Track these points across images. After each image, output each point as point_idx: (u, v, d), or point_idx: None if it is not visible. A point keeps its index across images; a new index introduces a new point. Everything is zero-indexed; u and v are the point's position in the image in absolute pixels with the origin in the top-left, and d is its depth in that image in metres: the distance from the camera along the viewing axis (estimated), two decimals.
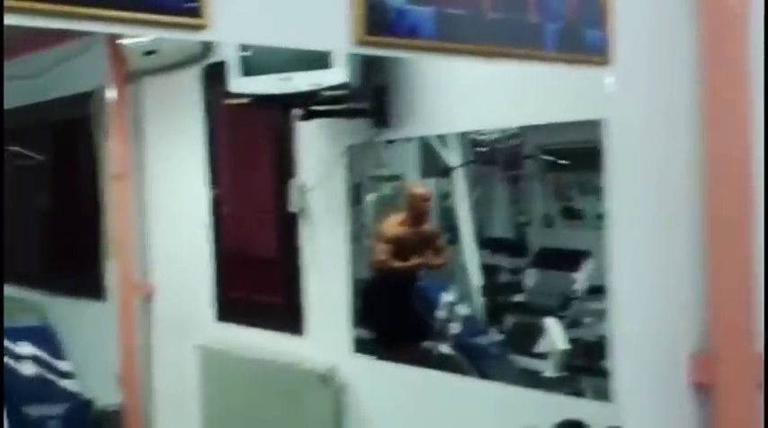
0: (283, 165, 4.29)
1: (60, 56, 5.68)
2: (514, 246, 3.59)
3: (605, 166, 2.72)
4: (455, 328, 3.70)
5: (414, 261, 3.80)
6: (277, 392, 4.19)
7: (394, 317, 3.98)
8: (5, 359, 4.22)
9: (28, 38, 5.87)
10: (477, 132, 3.57)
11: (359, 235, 4.03)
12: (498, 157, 3.59)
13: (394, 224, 3.88)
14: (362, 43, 1.96)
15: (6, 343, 4.27)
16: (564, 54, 2.11)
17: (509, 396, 3.40)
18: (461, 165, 3.67)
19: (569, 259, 3.30)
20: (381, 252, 3.86)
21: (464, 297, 3.70)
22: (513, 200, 3.61)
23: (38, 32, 5.29)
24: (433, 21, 1.95)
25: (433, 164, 3.81)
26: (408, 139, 3.81)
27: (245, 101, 3.71)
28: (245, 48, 3.66)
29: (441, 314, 3.74)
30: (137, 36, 4.84)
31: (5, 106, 6.53)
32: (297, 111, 3.87)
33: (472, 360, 3.62)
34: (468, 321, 3.68)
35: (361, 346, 3.99)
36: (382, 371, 3.91)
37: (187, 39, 1.86)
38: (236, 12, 1.88)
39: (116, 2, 1.70)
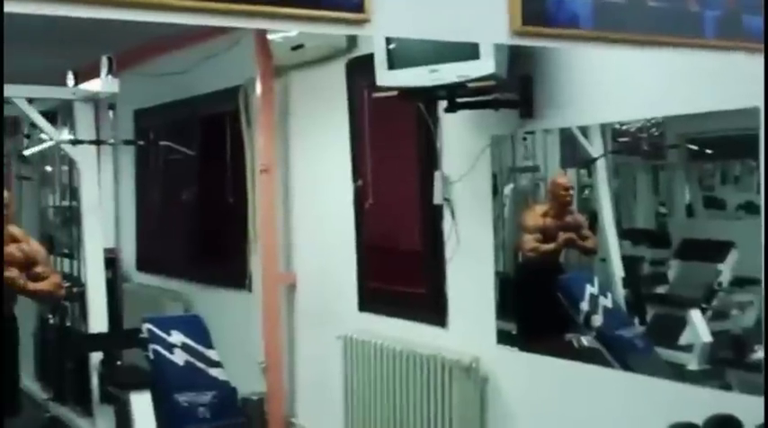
0: (427, 157, 4.37)
1: (209, 52, 5.87)
2: (656, 237, 3.61)
3: (759, 155, 2.71)
4: (598, 320, 3.72)
5: (564, 237, 3.85)
6: (420, 383, 4.27)
7: (538, 309, 4.01)
8: (160, 348, 4.42)
9: (176, 35, 6.11)
10: (619, 122, 3.59)
11: (498, 226, 4.08)
12: (640, 147, 3.60)
13: (537, 215, 3.96)
14: (520, 34, 2.01)
15: (159, 332, 4.48)
16: (723, 41, 2.12)
17: (654, 388, 3.37)
18: (602, 156, 3.69)
19: (713, 250, 3.29)
20: (529, 241, 3.92)
21: (606, 288, 3.73)
22: (655, 191, 3.65)
23: (186, 29, 5.47)
24: (590, 10, 1.99)
25: (573, 155, 3.86)
26: (548, 130, 3.86)
27: (391, 93, 3.82)
28: (391, 41, 3.77)
29: (584, 306, 3.75)
30: (290, 31, 5.03)
31: (156, 102, 6.87)
32: (443, 103, 3.98)
33: (615, 352, 3.63)
34: (611, 313, 3.70)
35: (505, 338, 4.04)
36: (525, 363, 3.95)
37: (349, 33, 1.96)
38: (396, 6, 1.96)
39: None
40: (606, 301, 3.74)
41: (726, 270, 3.21)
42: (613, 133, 3.66)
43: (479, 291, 4.12)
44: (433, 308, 4.41)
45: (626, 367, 3.57)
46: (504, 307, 4.06)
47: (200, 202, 6.70)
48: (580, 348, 3.76)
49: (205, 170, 6.57)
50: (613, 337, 3.66)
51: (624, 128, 3.60)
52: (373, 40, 3.84)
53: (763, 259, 2.74)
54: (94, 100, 5.55)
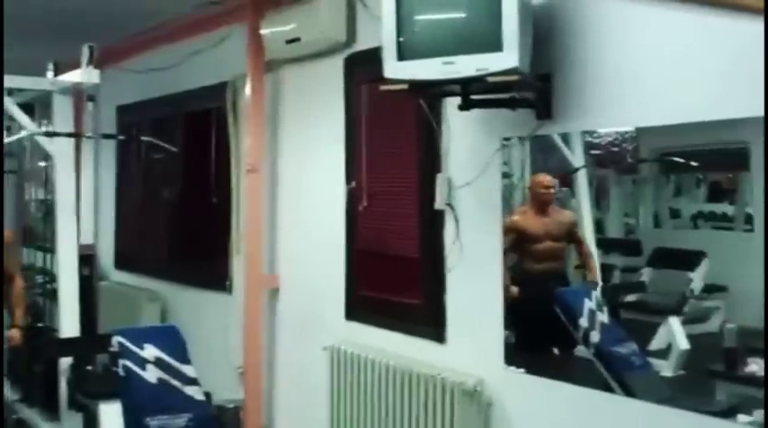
0: (429, 159, 3.73)
1: (197, 47, 5.36)
2: (629, 246, 3.34)
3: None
4: (596, 337, 3.22)
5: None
6: (416, 404, 3.61)
7: (542, 325, 3.42)
8: (130, 364, 3.75)
9: (163, 30, 5.54)
10: (592, 133, 3.17)
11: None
12: (616, 159, 3.21)
13: (517, 215, 3.51)
14: None
15: (132, 346, 3.80)
16: None
17: (661, 417, 2.87)
18: (583, 166, 3.30)
19: (685, 259, 3.07)
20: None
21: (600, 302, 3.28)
22: (628, 201, 3.40)
23: (175, 24, 4.91)
24: None
25: (550, 164, 3.41)
26: (522, 138, 3.33)
27: (400, 87, 3.13)
28: (402, 32, 3.10)
29: (583, 322, 3.23)
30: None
31: (141, 98, 6.26)
32: (450, 101, 3.32)
33: (612, 370, 3.15)
34: (607, 329, 3.24)
35: (513, 358, 3.40)
36: (535, 387, 3.30)
37: None
38: None
39: None
40: (603, 316, 3.26)
41: (697, 278, 3.00)
42: (587, 145, 3.24)
43: (485, 306, 3.45)
44: (429, 321, 3.75)
45: (623, 385, 3.09)
46: (513, 324, 3.43)
47: (182, 201, 6.09)
48: (579, 366, 3.27)
49: (188, 168, 5.98)
50: (610, 354, 3.18)
51: (598, 140, 3.20)
52: (382, 29, 3.16)
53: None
54: (74, 91, 5.06)
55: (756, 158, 2.71)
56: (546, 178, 3.42)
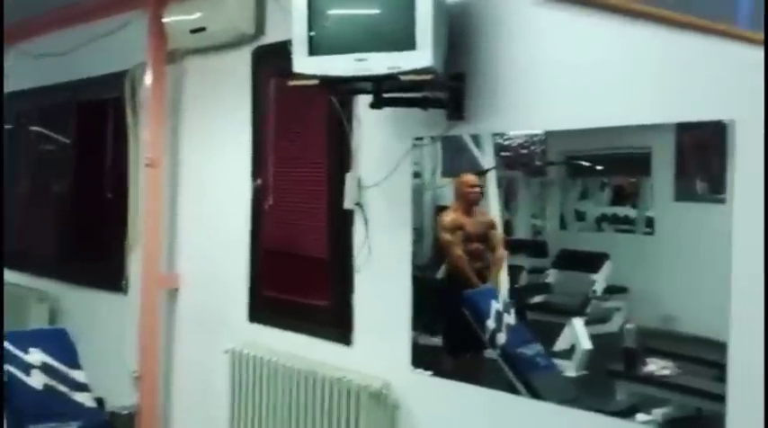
0: (340, 157, 3.72)
1: (94, 33, 5.20)
2: (535, 247, 3.39)
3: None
4: (503, 338, 3.27)
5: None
6: (321, 408, 3.60)
7: (457, 328, 3.43)
8: (14, 369, 3.63)
9: (60, 14, 5.38)
10: (502, 135, 3.21)
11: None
12: (525, 161, 3.26)
13: (452, 213, 3.47)
14: None
15: (15, 350, 3.64)
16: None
17: (565, 417, 2.95)
18: (493, 168, 3.32)
19: (588, 260, 3.13)
20: (454, 243, 3.41)
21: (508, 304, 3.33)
22: (536, 203, 3.42)
23: (72, 8, 4.74)
24: None
25: (464, 165, 3.44)
26: (434, 138, 3.36)
27: (311, 82, 3.13)
28: (313, 26, 3.10)
29: (491, 323, 3.28)
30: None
31: (32, 85, 6.06)
32: (361, 98, 3.33)
33: (517, 371, 3.21)
34: (514, 330, 3.29)
35: (421, 360, 3.43)
36: (443, 389, 3.33)
37: None
38: None
39: None
40: (509, 318, 3.31)
41: (600, 279, 3.07)
42: (498, 147, 3.26)
43: (393, 307, 3.47)
44: (336, 323, 3.75)
45: (528, 386, 3.17)
46: (423, 326, 3.47)
47: (74, 195, 5.90)
48: (487, 368, 3.29)
49: (82, 161, 5.79)
50: (516, 355, 3.24)
51: (508, 142, 3.24)
52: (292, 23, 3.15)
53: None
54: None
55: (657, 163, 2.82)
56: (472, 177, 3.43)
